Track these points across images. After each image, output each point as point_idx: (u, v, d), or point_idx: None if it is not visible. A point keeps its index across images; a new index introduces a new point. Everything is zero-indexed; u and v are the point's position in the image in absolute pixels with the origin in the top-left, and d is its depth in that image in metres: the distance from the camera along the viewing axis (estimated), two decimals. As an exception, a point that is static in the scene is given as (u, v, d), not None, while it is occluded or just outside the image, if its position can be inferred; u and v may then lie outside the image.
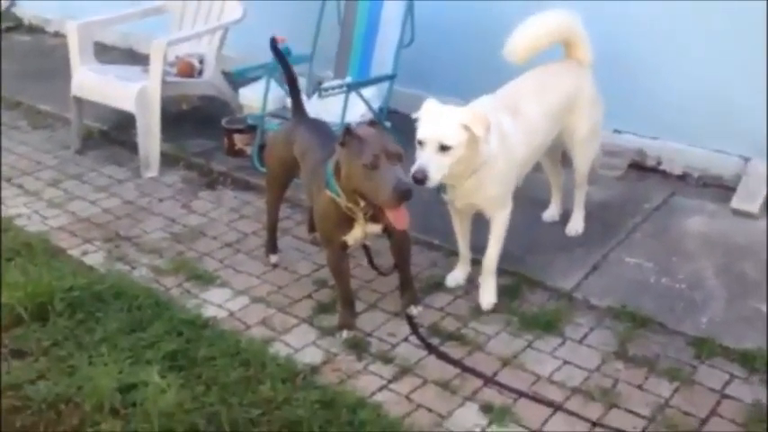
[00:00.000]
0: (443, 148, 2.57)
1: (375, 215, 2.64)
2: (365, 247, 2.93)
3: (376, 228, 2.72)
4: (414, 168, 2.55)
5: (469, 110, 2.71)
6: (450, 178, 2.69)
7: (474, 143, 2.62)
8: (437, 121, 2.61)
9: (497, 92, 3.02)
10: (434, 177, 2.56)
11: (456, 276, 3.12)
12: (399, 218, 2.52)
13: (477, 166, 2.70)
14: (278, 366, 2.63)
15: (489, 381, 2.58)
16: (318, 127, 3.01)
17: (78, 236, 3.58)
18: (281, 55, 3.21)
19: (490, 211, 2.89)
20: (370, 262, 2.95)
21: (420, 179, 2.53)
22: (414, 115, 2.69)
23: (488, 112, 2.75)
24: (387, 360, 2.71)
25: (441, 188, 2.81)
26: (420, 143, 2.60)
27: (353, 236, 2.73)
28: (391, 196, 2.42)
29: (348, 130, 2.54)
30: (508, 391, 2.53)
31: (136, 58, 5.51)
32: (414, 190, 2.45)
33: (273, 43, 3.21)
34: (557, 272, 3.13)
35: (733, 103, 3.61)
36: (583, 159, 3.28)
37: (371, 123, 2.69)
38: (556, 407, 2.46)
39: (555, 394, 2.52)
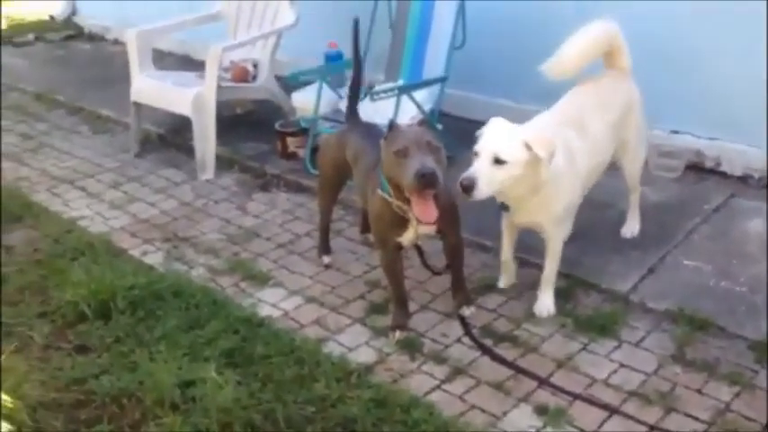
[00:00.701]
0: (498, 162, 2.49)
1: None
2: (418, 248, 2.94)
3: (429, 229, 2.73)
4: (462, 176, 2.48)
5: (535, 130, 2.62)
6: (509, 197, 2.65)
7: (535, 164, 2.53)
8: (497, 135, 2.55)
9: (556, 107, 2.97)
10: (483, 189, 2.47)
11: (505, 281, 3.10)
12: (425, 210, 2.48)
13: (539, 187, 2.60)
14: (332, 365, 2.65)
15: (544, 382, 2.56)
16: (371, 130, 3.03)
17: (138, 236, 3.68)
18: (356, 53, 3.24)
19: (550, 230, 2.83)
20: (424, 262, 2.96)
21: (466, 186, 2.45)
22: (477, 132, 2.64)
23: (554, 128, 2.69)
24: (440, 360, 2.71)
25: (503, 206, 2.77)
26: (476, 154, 2.54)
27: (407, 237, 2.74)
28: (413, 180, 2.40)
29: (392, 123, 2.57)
30: (563, 393, 2.51)
31: (192, 63, 5.64)
32: (435, 180, 2.40)
33: (355, 27, 3.24)
34: (612, 274, 3.09)
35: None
36: (634, 166, 3.22)
37: (421, 122, 2.67)
38: (612, 410, 2.42)
39: (611, 397, 2.48)
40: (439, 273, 2.98)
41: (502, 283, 3.10)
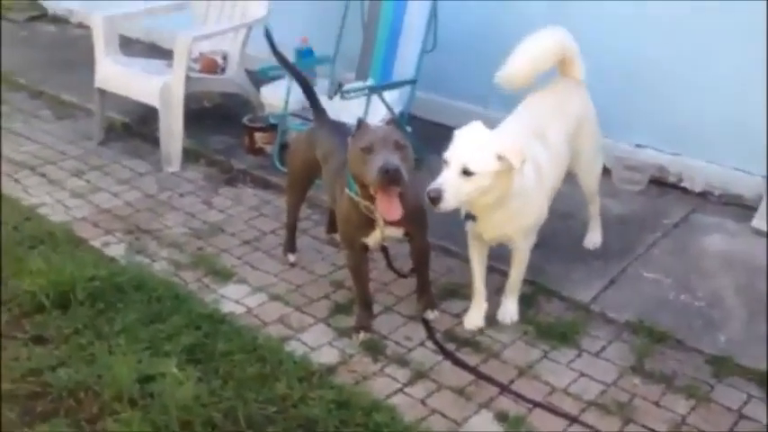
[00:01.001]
0: (466, 173, 2.43)
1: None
2: (384, 250, 2.94)
3: (396, 231, 2.73)
4: (430, 186, 2.43)
5: (508, 139, 2.56)
6: (476, 208, 2.61)
7: (506, 175, 2.49)
8: (468, 144, 2.48)
9: (515, 115, 2.94)
10: (449, 200, 2.41)
11: (474, 318, 2.93)
12: (389, 208, 2.46)
13: (507, 198, 2.56)
14: (294, 364, 2.64)
15: (505, 389, 2.59)
16: (340, 129, 3.02)
17: (100, 227, 3.61)
18: (281, 57, 3.23)
19: (518, 241, 2.81)
20: (389, 264, 2.96)
21: (433, 198, 2.40)
22: (455, 133, 2.58)
23: (523, 139, 2.65)
24: (402, 363, 2.72)
25: (468, 215, 2.71)
26: (445, 162, 2.48)
27: (373, 238, 2.74)
28: (377, 176, 2.38)
29: (360, 121, 2.56)
30: (524, 400, 2.53)
31: (159, 52, 5.53)
32: (400, 177, 2.38)
33: (268, 35, 3.22)
34: (574, 283, 3.14)
35: (756, 122, 3.59)
36: (590, 177, 3.22)
37: (389, 122, 2.64)
38: (571, 419, 2.46)
39: (570, 406, 2.52)
40: (404, 276, 2.98)
41: (469, 325, 2.92)
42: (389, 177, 2.38)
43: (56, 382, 2.47)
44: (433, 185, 2.43)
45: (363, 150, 2.44)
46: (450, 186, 2.43)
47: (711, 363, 2.70)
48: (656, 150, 4.00)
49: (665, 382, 2.62)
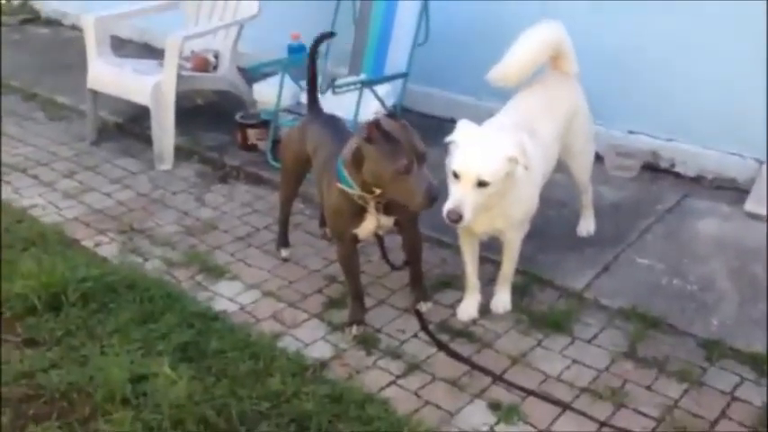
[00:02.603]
0: (482, 184, 2.39)
1: (388, 207, 2.64)
2: (380, 240, 2.93)
3: (388, 220, 2.73)
4: (448, 207, 2.39)
5: (510, 138, 2.50)
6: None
7: (512, 174, 2.47)
8: (478, 153, 2.41)
9: (507, 110, 2.93)
10: (468, 216, 2.39)
11: (468, 309, 2.93)
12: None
13: (501, 195, 2.54)
14: (287, 360, 2.64)
15: (498, 379, 2.59)
16: (331, 122, 3.01)
17: (92, 227, 3.61)
18: (313, 55, 3.16)
19: (509, 232, 2.79)
20: (384, 256, 2.95)
21: (455, 220, 2.38)
22: (447, 139, 2.53)
23: (515, 133, 2.61)
24: (396, 356, 2.72)
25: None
26: (456, 175, 2.41)
27: (364, 228, 2.73)
28: (423, 202, 2.40)
29: (377, 125, 2.44)
30: (517, 389, 2.53)
31: (152, 52, 5.54)
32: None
33: (316, 43, 3.17)
34: (567, 271, 3.13)
35: (747, 105, 3.59)
36: (581, 169, 3.21)
37: (390, 116, 2.61)
38: (564, 406, 2.46)
39: (563, 393, 2.52)
40: (399, 268, 2.98)
41: (464, 315, 2.91)
42: (435, 201, 2.40)
43: (48, 385, 2.47)
44: (451, 206, 2.39)
45: (400, 172, 2.40)
46: (469, 203, 2.39)
47: (704, 346, 2.70)
48: (649, 136, 3.99)
49: (657, 366, 2.62)
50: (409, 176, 2.40)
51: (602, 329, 2.83)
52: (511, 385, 2.55)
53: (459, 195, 2.39)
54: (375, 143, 2.44)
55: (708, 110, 3.72)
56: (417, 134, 2.48)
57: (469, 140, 2.48)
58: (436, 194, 2.39)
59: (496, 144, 2.45)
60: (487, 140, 2.48)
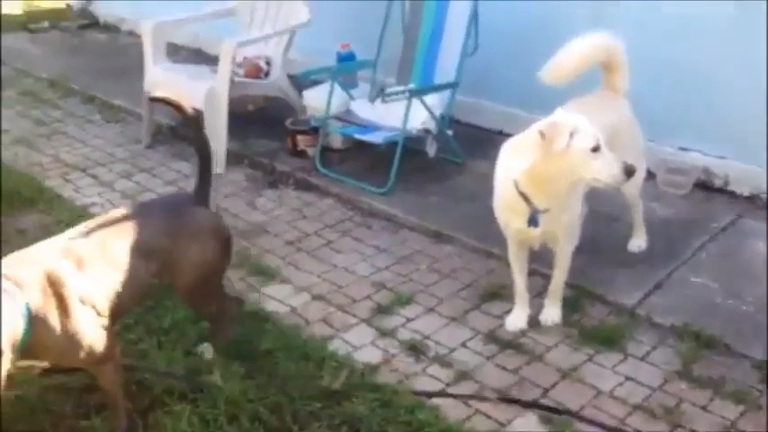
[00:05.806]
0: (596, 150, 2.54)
1: None
2: None
3: None
4: (625, 162, 2.54)
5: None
6: (550, 196, 2.62)
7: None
8: (588, 123, 2.55)
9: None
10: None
11: (517, 320, 2.93)
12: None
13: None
14: (337, 363, 2.66)
15: (561, 413, 2.47)
16: None
17: (148, 226, 3.68)
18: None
19: (562, 240, 2.82)
20: None
21: (632, 171, 2.57)
22: (541, 130, 2.55)
23: None
24: (444, 364, 2.72)
25: (532, 220, 2.68)
26: (595, 149, 2.52)
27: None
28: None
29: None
30: (567, 415, 2.46)
31: (204, 58, 5.65)
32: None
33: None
34: (618, 287, 3.10)
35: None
36: (631, 184, 3.03)
37: None
38: (615, 429, 2.41)
39: (616, 410, 2.49)
40: None
41: (512, 326, 2.92)
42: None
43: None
44: (621, 164, 2.53)
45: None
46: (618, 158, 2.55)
47: (760, 368, 2.64)
48: (701, 153, 3.94)
49: (712, 387, 2.58)
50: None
51: (655, 347, 2.80)
52: (552, 409, 2.48)
53: (611, 157, 2.53)
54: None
55: (762, 127, 3.66)
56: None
57: (577, 121, 2.54)
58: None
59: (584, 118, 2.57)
60: (577, 116, 2.58)
